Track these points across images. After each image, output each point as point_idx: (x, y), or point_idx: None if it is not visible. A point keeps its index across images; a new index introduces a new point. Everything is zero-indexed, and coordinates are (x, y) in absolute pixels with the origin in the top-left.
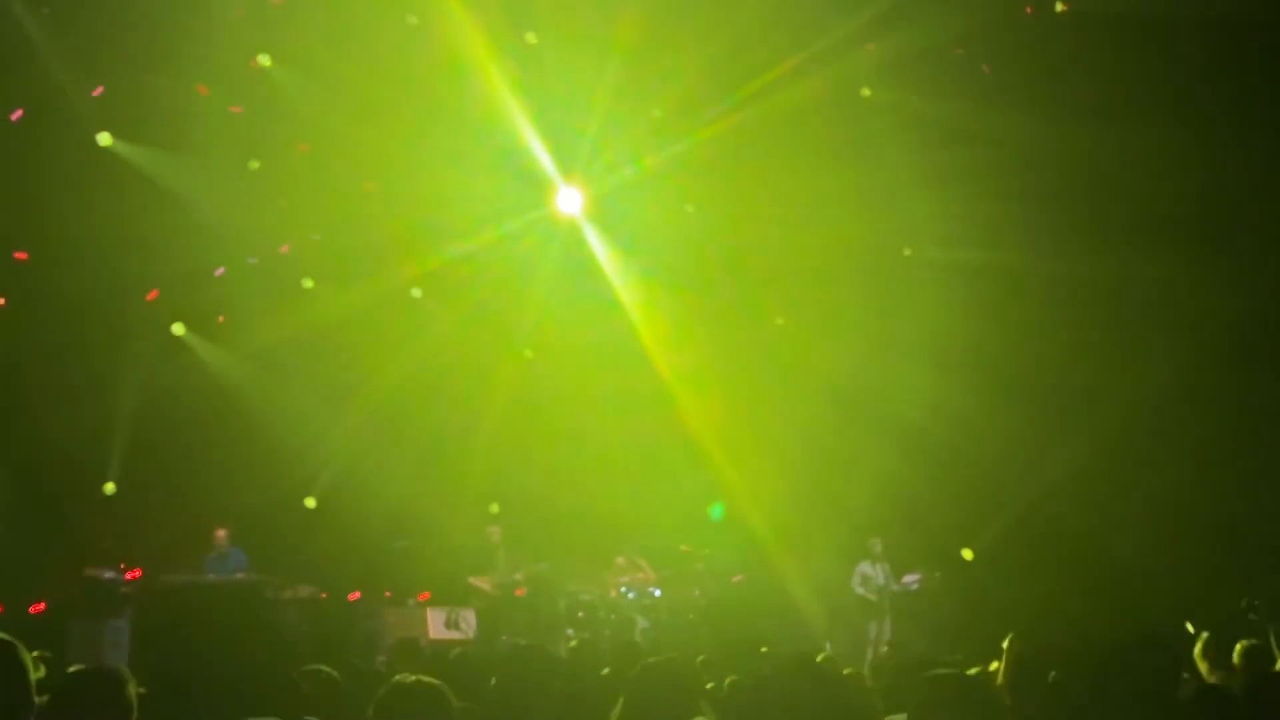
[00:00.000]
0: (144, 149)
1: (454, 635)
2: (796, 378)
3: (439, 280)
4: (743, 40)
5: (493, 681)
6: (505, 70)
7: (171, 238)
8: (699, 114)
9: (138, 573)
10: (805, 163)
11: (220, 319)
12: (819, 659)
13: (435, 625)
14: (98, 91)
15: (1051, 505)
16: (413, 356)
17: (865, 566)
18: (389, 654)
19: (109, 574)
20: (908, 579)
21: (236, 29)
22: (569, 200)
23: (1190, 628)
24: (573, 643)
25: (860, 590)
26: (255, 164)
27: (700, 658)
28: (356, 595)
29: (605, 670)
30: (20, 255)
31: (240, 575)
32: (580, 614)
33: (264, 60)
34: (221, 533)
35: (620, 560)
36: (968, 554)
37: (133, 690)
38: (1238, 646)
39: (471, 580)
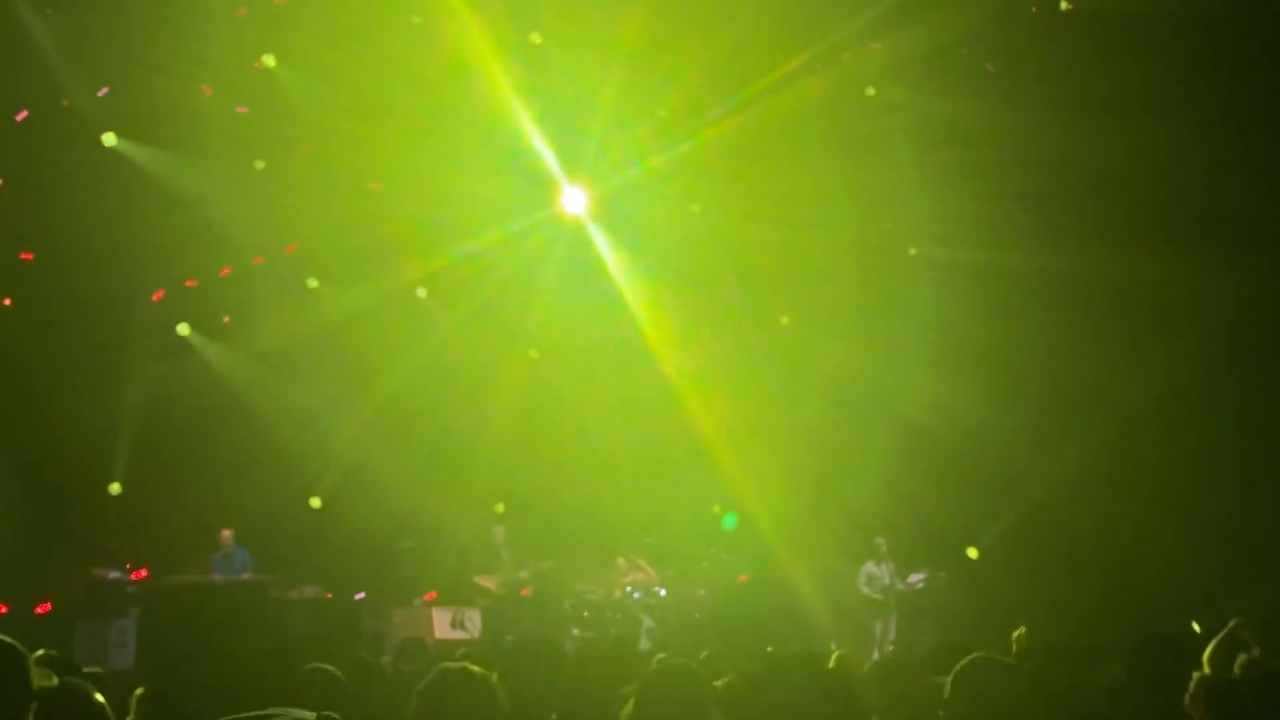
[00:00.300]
0: (149, 149)
1: (460, 635)
2: (801, 377)
3: (444, 280)
4: (747, 40)
5: (494, 678)
6: (510, 70)
7: (177, 238)
8: (704, 114)
9: (144, 573)
10: (810, 162)
11: (226, 319)
12: (832, 659)
13: (441, 625)
14: (102, 92)
15: (1056, 504)
16: (418, 356)
17: (870, 566)
18: (395, 654)
19: (115, 574)
20: (913, 578)
21: (241, 30)
22: (574, 200)
23: (1196, 627)
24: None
25: (865, 590)
26: (260, 164)
27: (704, 653)
28: (361, 595)
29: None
30: (26, 256)
31: (246, 575)
32: (586, 613)
33: (269, 61)
34: (227, 533)
35: (621, 561)
36: (973, 553)
37: (100, 698)
38: (1239, 658)
39: (477, 580)
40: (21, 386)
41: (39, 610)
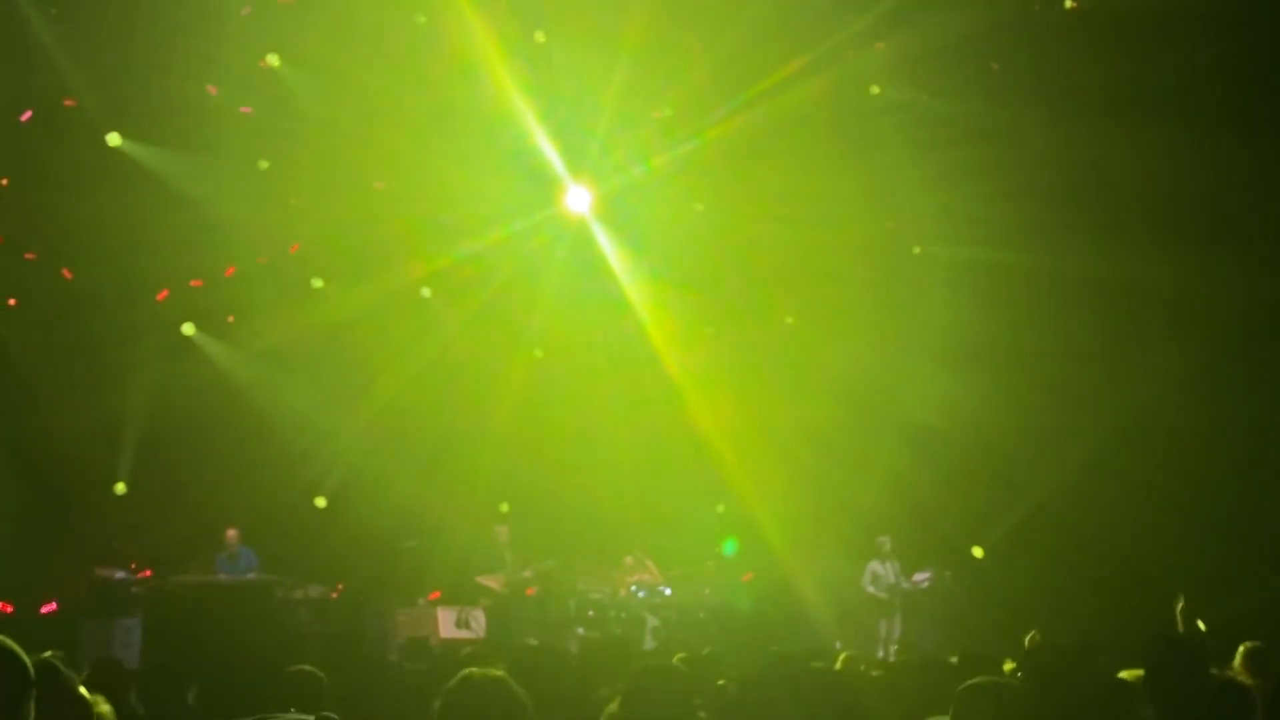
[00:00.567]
0: (153, 149)
1: (464, 634)
2: (805, 376)
3: (448, 279)
4: (751, 39)
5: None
6: (514, 70)
7: (181, 237)
8: (708, 113)
9: (149, 573)
10: (814, 161)
11: (230, 319)
12: (839, 660)
13: (445, 624)
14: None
15: (1061, 503)
16: (422, 356)
17: (875, 565)
18: (400, 653)
19: (120, 574)
20: (918, 577)
21: (245, 29)
22: (578, 199)
23: (1202, 625)
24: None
25: (870, 589)
26: (264, 164)
27: (707, 649)
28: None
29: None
30: (29, 255)
31: (251, 575)
32: (590, 613)
33: (273, 60)
34: (232, 532)
35: (628, 559)
36: (978, 552)
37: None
38: (1240, 649)
39: (481, 579)
40: (26, 386)
41: (44, 610)
